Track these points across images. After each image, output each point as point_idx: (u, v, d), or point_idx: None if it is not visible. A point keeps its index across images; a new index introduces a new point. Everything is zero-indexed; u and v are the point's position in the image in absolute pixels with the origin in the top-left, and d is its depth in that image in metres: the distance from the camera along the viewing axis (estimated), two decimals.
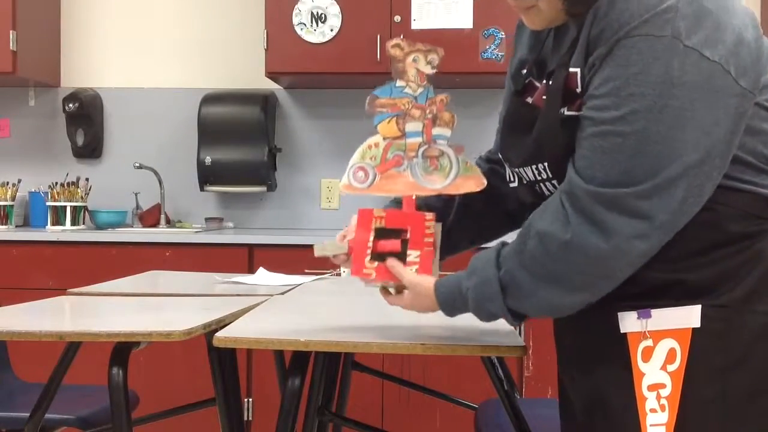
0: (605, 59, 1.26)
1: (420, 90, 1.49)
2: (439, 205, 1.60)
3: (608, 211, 1.24)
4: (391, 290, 1.54)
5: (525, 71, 1.50)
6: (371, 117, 1.50)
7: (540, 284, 1.31)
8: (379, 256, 1.50)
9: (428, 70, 1.48)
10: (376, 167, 1.51)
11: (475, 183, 1.50)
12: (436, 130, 1.50)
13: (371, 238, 1.51)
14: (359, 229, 1.52)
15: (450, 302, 1.44)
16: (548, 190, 1.39)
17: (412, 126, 1.49)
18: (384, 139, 1.50)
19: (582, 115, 1.29)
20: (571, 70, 1.33)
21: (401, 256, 1.50)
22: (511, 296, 1.35)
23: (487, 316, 1.40)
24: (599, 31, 1.27)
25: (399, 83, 1.49)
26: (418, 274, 1.49)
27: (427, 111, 1.49)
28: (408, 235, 1.51)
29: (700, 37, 1.23)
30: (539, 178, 1.39)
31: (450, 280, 1.44)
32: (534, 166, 1.38)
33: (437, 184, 1.50)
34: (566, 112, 1.32)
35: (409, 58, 1.48)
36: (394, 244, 1.50)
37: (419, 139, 1.49)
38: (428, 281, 1.47)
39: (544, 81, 1.41)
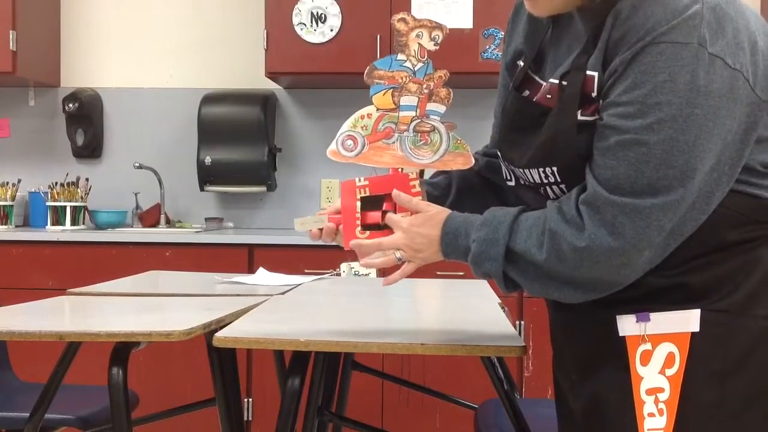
0: (629, 65, 1.23)
1: (419, 65, 1.48)
2: (436, 194, 1.58)
3: (631, 222, 1.23)
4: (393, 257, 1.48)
5: (521, 63, 1.48)
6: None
7: (543, 273, 1.30)
8: (369, 227, 1.49)
9: (431, 47, 1.47)
10: (366, 137, 1.50)
11: (464, 161, 1.49)
12: (430, 106, 1.49)
13: (358, 208, 1.50)
14: (345, 201, 1.51)
15: (453, 239, 1.39)
16: (554, 193, 1.37)
17: (406, 99, 1.48)
18: (377, 110, 1.50)
19: (603, 124, 1.26)
20: (588, 73, 1.30)
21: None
22: (512, 266, 1.33)
23: (482, 273, 1.37)
24: (621, 35, 1.25)
25: (400, 57, 1.48)
26: None
27: (424, 86, 1.48)
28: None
29: (722, 44, 1.21)
30: (546, 181, 1.36)
31: (463, 219, 1.40)
32: (541, 169, 1.36)
33: (425, 159, 1.49)
34: (580, 117, 1.30)
35: (413, 33, 1.47)
36: (380, 217, 1.49)
37: (412, 113, 1.48)
38: (441, 208, 1.44)
39: (554, 81, 1.38)
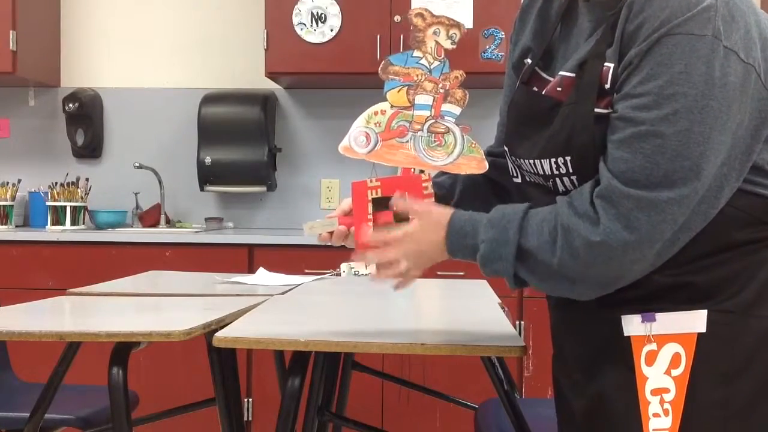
0: (644, 57, 1.23)
1: (436, 63, 1.46)
2: (440, 193, 1.57)
3: (647, 217, 1.22)
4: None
5: (529, 60, 1.48)
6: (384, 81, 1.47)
7: (555, 272, 1.29)
8: (382, 228, 1.47)
9: (448, 45, 1.45)
10: (379, 134, 1.48)
11: (477, 165, 1.47)
12: (445, 106, 1.46)
13: (370, 210, 1.48)
14: (356, 203, 1.49)
15: (460, 239, 1.37)
16: (564, 185, 1.35)
17: (422, 98, 1.46)
18: (391, 107, 1.47)
19: (618, 116, 1.26)
20: (605, 64, 1.29)
21: (403, 223, 1.46)
22: (522, 265, 1.32)
23: (491, 272, 1.36)
24: (635, 28, 1.24)
25: (416, 54, 1.45)
26: None
27: (440, 86, 1.46)
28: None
29: (736, 38, 1.21)
30: (557, 172, 1.35)
31: (468, 217, 1.38)
32: (553, 159, 1.34)
33: (439, 161, 1.47)
34: (595, 110, 1.29)
35: (430, 30, 1.45)
36: (392, 217, 1.47)
37: (427, 113, 1.46)
38: (442, 208, 1.42)
39: (564, 73, 1.37)
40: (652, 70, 1.22)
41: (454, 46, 1.46)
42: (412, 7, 1.46)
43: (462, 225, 1.38)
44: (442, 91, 1.46)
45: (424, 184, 1.48)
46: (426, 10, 1.46)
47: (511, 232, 1.32)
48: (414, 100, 1.47)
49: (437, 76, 1.46)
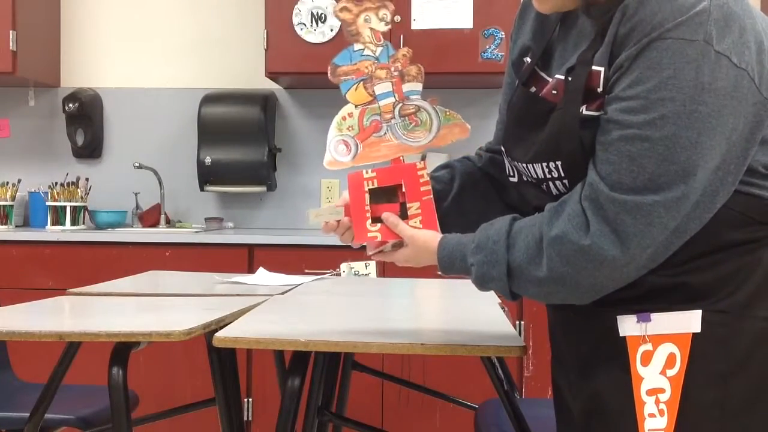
0: (635, 60, 1.23)
1: (379, 49, 1.45)
2: (438, 188, 1.57)
3: (633, 220, 1.23)
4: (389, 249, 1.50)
5: (528, 60, 1.48)
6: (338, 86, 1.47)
7: (548, 282, 1.30)
8: (379, 219, 1.47)
9: (382, 27, 1.45)
10: (356, 137, 1.48)
11: (460, 130, 1.47)
12: (406, 86, 1.46)
13: (367, 201, 1.48)
14: (353, 195, 1.49)
15: (449, 265, 1.42)
16: (557, 188, 1.36)
17: (380, 87, 1.46)
18: (356, 106, 1.47)
19: (607, 118, 1.26)
20: (594, 68, 1.30)
21: (402, 212, 1.47)
22: (516, 282, 1.34)
23: (486, 289, 1.39)
24: (628, 31, 1.25)
25: (356, 47, 1.45)
26: (422, 225, 1.46)
27: (392, 69, 1.45)
28: (403, 189, 1.48)
29: (729, 43, 1.21)
30: (549, 176, 1.36)
31: (455, 244, 1.41)
32: (545, 164, 1.35)
33: (422, 140, 1.47)
34: (585, 111, 1.30)
35: (360, 19, 1.44)
36: (391, 208, 1.47)
37: (392, 99, 1.46)
38: (428, 235, 1.45)
39: (560, 76, 1.38)
40: (641, 74, 1.23)
41: (389, 26, 1.46)
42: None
43: (451, 251, 1.42)
44: (396, 73, 1.46)
45: (419, 172, 1.48)
46: (348, 0, 1.45)
47: (500, 254, 1.34)
48: (374, 91, 1.46)
49: (386, 61, 1.45)
